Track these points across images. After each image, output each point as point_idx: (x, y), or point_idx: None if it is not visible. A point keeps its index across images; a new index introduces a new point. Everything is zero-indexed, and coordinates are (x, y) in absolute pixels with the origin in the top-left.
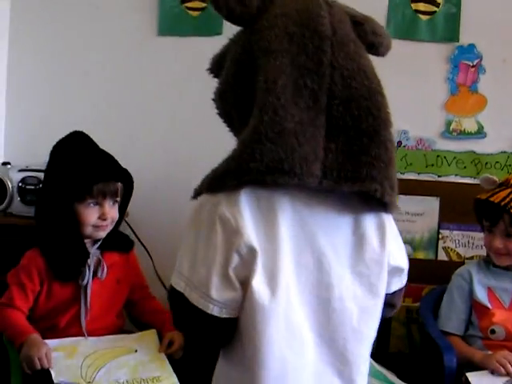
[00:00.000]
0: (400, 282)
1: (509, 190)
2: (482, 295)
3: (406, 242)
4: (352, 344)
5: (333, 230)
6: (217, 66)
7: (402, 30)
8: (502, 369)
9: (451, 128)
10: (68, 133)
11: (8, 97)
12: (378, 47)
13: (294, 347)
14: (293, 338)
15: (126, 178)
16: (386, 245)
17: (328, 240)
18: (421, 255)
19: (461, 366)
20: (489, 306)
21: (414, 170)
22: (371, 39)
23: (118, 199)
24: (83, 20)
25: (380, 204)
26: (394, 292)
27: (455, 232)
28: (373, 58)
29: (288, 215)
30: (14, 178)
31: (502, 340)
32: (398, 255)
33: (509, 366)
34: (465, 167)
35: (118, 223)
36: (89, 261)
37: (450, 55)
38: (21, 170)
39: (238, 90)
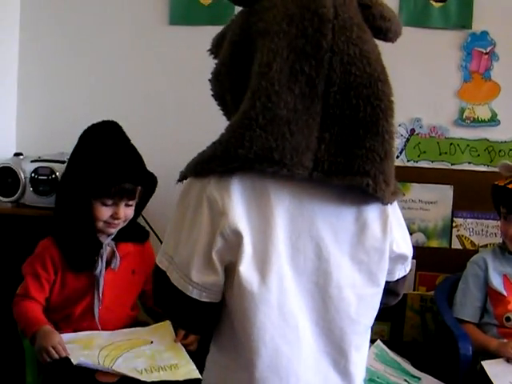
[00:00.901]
0: (403, 269)
1: None
2: (497, 282)
3: (419, 230)
4: (349, 334)
5: (333, 217)
6: (216, 47)
7: (415, 17)
8: None
9: (464, 116)
10: (82, 123)
11: (19, 88)
12: (386, 32)
13: (287, 336)
14: (287, 326)
15: (149, 181)
16: (388, 232)
17: (328, 226)
18: (435, 244)
19: (476, 354)
20: (504, 293)
21: (428, 158)
22: (379, 24)
23: (136, 200)
24: (95, 9)
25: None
26: (398, 280)
27: (469, 220)
28: (384, 46)
29: (285, 200)
30: (26, 169)
31: None
32: (402, 243)
33: None
34: (478, 155)
35: (135, 217)
36: (102, 251)
37: (463, 42)
38: (33, 161)
39: (233, 72)
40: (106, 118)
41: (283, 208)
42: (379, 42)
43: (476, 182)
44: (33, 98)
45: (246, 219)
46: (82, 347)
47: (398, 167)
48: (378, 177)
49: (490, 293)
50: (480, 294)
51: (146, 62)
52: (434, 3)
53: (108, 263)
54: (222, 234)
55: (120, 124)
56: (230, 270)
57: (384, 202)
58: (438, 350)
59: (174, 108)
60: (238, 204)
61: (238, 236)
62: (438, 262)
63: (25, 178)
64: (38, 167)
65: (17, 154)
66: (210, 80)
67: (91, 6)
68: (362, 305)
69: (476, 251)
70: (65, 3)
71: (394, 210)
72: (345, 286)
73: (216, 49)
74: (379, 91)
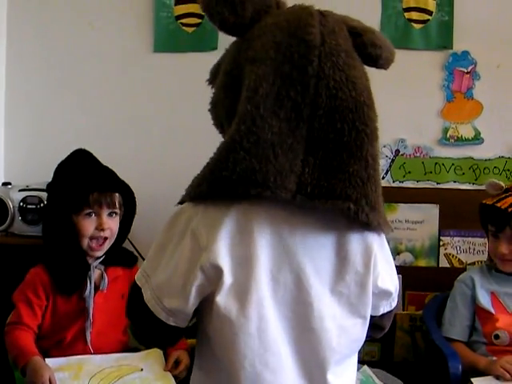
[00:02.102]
0: (389, 304)
1: None
2: (485, 300)
3: (407, 250)
4: (330, 364)
5: (314, 249)
6: (213, 77)
7: (396, 39)
8: (507, 374)
9: (448, 135)
10: (69, 151)
11: (7, 117)
12: (376, 59)
13: (269, 362)
14: (268, 353)
15: (125, 190)
16: (371, 267)
17: (309, 259)
18: (422, 263)
19: (466, 373)
20: (492, 311)
21: (413, 178)
22: (369, 51)
23: (117, 211)
24: (78, 37)
25: (362, 223)
26: (383, 314)
27: (456, 238)
28: (367, 69)
29: (266, 233)
30: (14, 198)
31: (506, 345)
32: (387, 279)
33: None
34: (463, 173)
35: (122, 240)
36: (90, 273)
37: (445, 62)
38: (21, 190)
39: (226, 100)
40: (93, 146)
41: (265, 242)
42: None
43: (462, 201)
44: (20, 128)
45: (227, 254)
46: (71, 377)
47: (383, 188)
48: (361, 200)
49: (478, 311)
50: (468, 313)
51: (132, 89)
52: (414, 25)
53: (97, 286)
54: (202, 268)
55: (107, 151)
56: (209, 299)
57: (371, 226)
58: (428, 370)
59: (160, 134)
60: (221, 238)
61: (217, 270)
62: (426, 281)
63: (13, 207)
64: (27, 196)
65: (5, 184)
66: (209, 110)
67: (74, 35)
68: (344, 335)
69: (464, 269)
70: (50, 34)
71: (381, 247)
72: (326, 317)
73: (213, 78)
74: (365, 116)
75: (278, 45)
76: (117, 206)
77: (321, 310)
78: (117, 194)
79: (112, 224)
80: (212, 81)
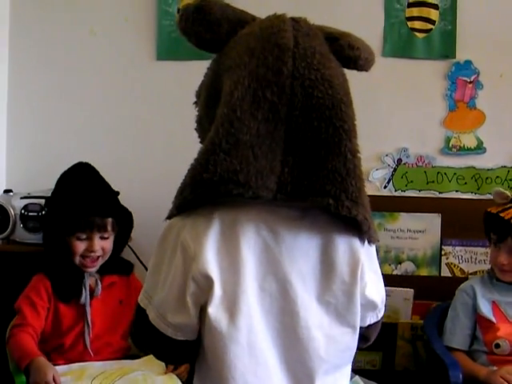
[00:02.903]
0: (375, 315)
1: None
2: (486, 309)
3: (408, 259)
4: (319, 373)
5: (300, 259)
6: (198, 97)
7: (399, 48)
8: None
9: (451, 144)
10: (71, 159)
11: (9, 125)
12: (355, 61)
13: (258, 373)
14: (257, 363)
15: (119, 213)
16: (358, 276)
17: (294, 267)
18: (424, 272)
19: (466, 382)
20: (493, 320)
21: (415, 187)
22: (347, 53)
23: (110, 233)
24: (81, 46)
25: (350, 223)
26: (369, 325)
27: (458, 248)
28: (369, 78)
29: (252, 242)
30: (16, 206)
31: (506, 354)
32: (373, 290)
33: None
34: (465, 183)
35: (119, 251)
36: (84, 280)
37: (447, 72)
38: (23, 198)
39: (209, 113)
40: (94, 154)
41: (251, 251)
42: (365, 74)
43: (464, 210)
44: (22, 135)
45: (215, 263)
46: (73, 379)
47: (385, 197)
48: (340, 195)
49: (479, 320)
50: (469, 322)
51: (135, 97)
52: (417, 34)
53: (92, 292)
54: (194, 278)
55: (108, 159)
56: (203, 310)
57: (356, 219)
58: (429, 379)
59: (162, 141)
60: (208, 248)
61: (208, 280)
62: (427, 291)
63: (15, 214)
64: (28, 204)
65: (6, 191)
66: (195, 129)
67: (77, 43)
68: (332, 345)
69: (466, 278)
70: (53, 42)
71: (369, 257)
72: (313, 327)
73: (198, 99)
74: (342, 112)
75: (252, 50)
76: (108, 229)
77: (307, 320)
78: (109, 219)
79: (104, 244)
80: (198, 102)
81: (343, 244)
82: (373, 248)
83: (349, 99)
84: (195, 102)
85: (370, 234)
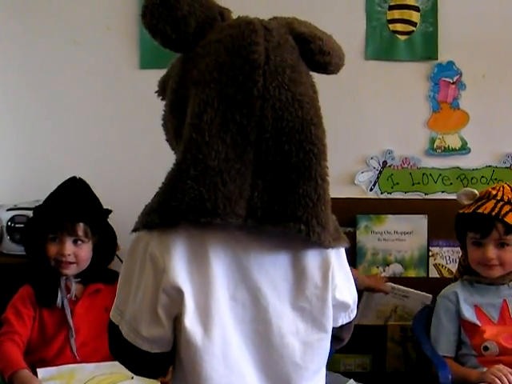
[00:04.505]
0: (347, 316)
1: (493, 201)
2: (469, 314)
3: (396, 261)
4: (296, 380)
5: (270, 266)
6: (162, 89)
7: (381, 51)
8: (498, 381)
9: (435, 145)
10: (57, 170)
11: None
12: (325, 67)
13: (234, 383)
14: (233, 374)
15: (97, 220)
16: (330, 280)
17: (264, 276)
18: (412, 273)
19: (456, 383)
20: (478, 323)
21: (401, 189)
22: (317, 58)
23: (84, 239)
24: (62, 55)
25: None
26: (342, 326)
27: (445, 248)
28: (352, 79)
29: (220, 252)
30: (2, 217)
31: (496, 355)
32: (345, 290)
33: (504, 378)
34: (451, 183)
35: (105, 263)
36: (61, 284)
37: (430, 73)
38: (9, 209)
39: (174, 120)
40: (81, 164)
41: (220, 261)
42: (348, 77)
43: (450, 211)
44: (7, 147)
45: (186, 275)
46: None
47: (372, 200)
48: (311, 221)
49: (463, 325)
50: (454, 328)
51: (119, 106)
52: (399, 36)
53: (77, 298)
54: (164, 290)
55: (95, 169)
56: (177, 322)
57: (323, 245)
58: (419, 380)
59: (148, 150)
60: (177, 261)
61: (179, 292)
62: None
63: (1, 226)
64: (15, 215)
65: None
66: (162, 125)
67: (58, 53)
68: (309, 351)
69: (453, 279)
70: (35, 52)
71: (338, 258)
72: (287, 334)
73: (162, 91)
74: (312, 135)
75: (221, 65)
76: (80, 234)
77: (280, 327)
78: (81, 224)
79: (78, 251)
80: (161, 93)
81: (312, 248)
82: (342, 249)
83: (319, 119)
84: (158, 93)
85: (332, 247)
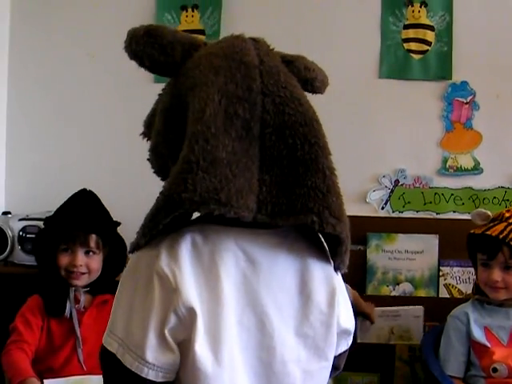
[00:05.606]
0: (346, 344)
1: (504, 224)
2: (479, 335)
3: (406, 280)
4: None
5: (277, 290)
6: (148, 127)
7: (396, 70)
8: None
9: (448, 165)
10: (69, 181)
11: (8, 147)
12: (312, 82)
13: None
14: None
15: (108, 232)
16: (335, 306)
17: (272, 301)
18: (422, 293)
19: None
20: (488, 344)
21: (413, 208)
22: (304, 74)
23: (95, 251)
24: (78, 69)
25: (323, 250)
26: (340, 354)
27: (456, 268)
28: (366, 99)
29: (230, 272)
30: (14, 227)
31: (505, 377)
32: (346, 317)
33: None
34: (463, 203)
35: (116, 273)
36: (70, 294)
37: (444, 93)
38: (21, 219)
39: (170, 136)
40: (93, 176)
41: (230, 282)
42: (362, 96)
43: (461, 231)
44: (21, 158)
45: (197, 295)
46: None
47: (383, 218)
48: (323, 212)
49: (473, 346)
50: (463, 348)
51: (133, 120)
52: (413, 55)
53: (85, 308)
54: (176, 311)
55: (108, 181)
56: (184, 348)
57: (341, 236)
58: None
59: None
60: (189, 278)
61: (191, 313)
62: (425, 312)
63: (13, 236)
64: (26, 226)
65: (5, 213)
66: (148, 159)
67: (74, 67)
68: (309, 380)
69: (464, 299)
70: (52, 65)
71: (339, 284)
72: (289, 361)
73: (148, 130)
74: (315, 129)
75: (217, 68)
76: (92, 246)
77: (283, 354)
78: (93, 235)
79: (90, 261)
80: (148, 132)
81: (319, 272)
82: (340, 275)
83: (318, 117)
84: (143, 133)
85: (343, 258)
